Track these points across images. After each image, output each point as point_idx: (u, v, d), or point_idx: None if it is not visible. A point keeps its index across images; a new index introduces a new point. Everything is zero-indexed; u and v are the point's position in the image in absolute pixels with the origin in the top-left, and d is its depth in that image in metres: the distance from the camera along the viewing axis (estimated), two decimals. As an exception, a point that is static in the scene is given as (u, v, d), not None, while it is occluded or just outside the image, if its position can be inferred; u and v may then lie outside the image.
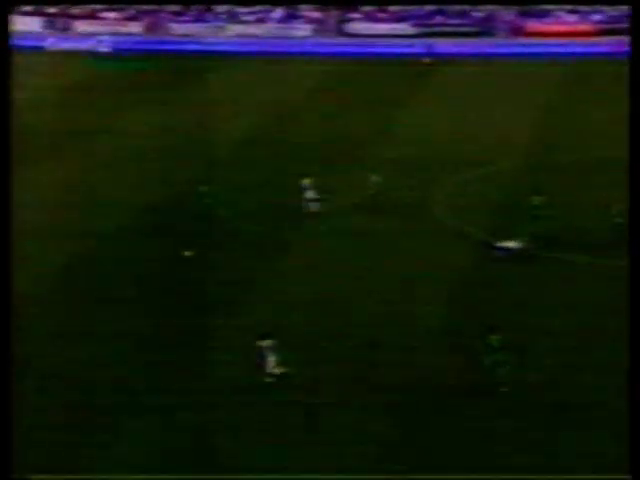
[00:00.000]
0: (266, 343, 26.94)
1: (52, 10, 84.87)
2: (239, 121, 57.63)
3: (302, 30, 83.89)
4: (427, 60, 72.14)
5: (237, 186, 45.51)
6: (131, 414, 26.58)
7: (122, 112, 59.68)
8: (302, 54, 78.27)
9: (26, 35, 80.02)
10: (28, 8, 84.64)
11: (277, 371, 26.87)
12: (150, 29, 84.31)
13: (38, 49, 78.14)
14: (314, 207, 41.68)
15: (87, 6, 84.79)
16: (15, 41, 78.31)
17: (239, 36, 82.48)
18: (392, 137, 54.43)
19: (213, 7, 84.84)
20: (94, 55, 76.36)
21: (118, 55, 76.25)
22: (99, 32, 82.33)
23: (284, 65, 74.16)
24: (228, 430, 25.82)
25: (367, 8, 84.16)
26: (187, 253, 36.53)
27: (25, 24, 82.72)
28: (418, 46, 75.86)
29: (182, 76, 70.34)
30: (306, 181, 42.05)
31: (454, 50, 76.92)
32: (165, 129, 56.15)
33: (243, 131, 55.58)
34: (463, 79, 69.31)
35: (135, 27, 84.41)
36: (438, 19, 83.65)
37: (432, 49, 72.69)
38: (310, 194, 41.73)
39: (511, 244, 36.68)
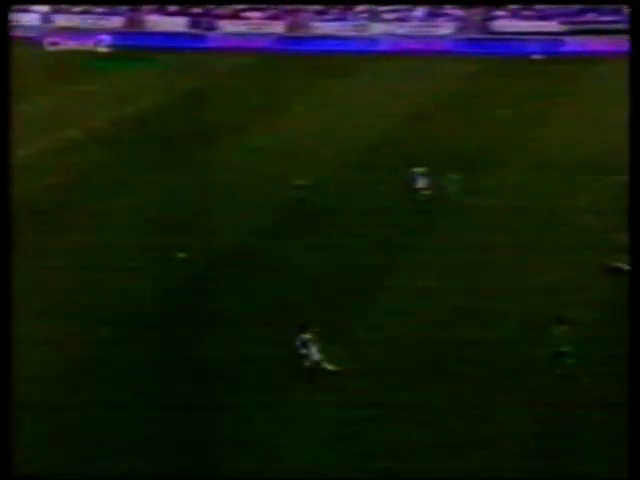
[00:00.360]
0: (307, 335, 25.80)
1: (197, 10, 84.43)
2: (375, 121, 55.70)
3: (445, 28, 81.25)
4: (537, 57, 70.07)
5: (360, 186, 43.82)
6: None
7: (261, 112, 58.25)
8: (445, 53, 76.08)
9: (172, 35, 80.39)
10: (173, 8, 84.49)
11: (320, 360, 25.76)
12: (292, 28, 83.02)
13: (182, 49, 77.69)
14: (424, 197, 40.02)
15: (231, 6, 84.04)
16: (159, 41, 79.33)
17: (381, 35, 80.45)
18: (537, 138, 51.67)
19: (354, 6, 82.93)
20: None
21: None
22: (242, 32, 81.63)
23: (426, 64, 71.99)
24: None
25: (513, 5, 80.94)
26: (181, 255, 34.05)
27: (170, 24, 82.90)
28: (568, 44, 73.03)
29: (322, 76, 68.90)
30: (418, 170, 40.44)
31: (604, 48, 73.53)
32: (299, 130, 54.39)
33: (378, 131, 53.49)
34: (613, 78, 65.77)
35: (278, 27, 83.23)
36: (590, 16, 79.68)
37: (553, 48, 70.78)
38: (421, 183, 40.15)
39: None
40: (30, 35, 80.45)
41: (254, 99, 61.62)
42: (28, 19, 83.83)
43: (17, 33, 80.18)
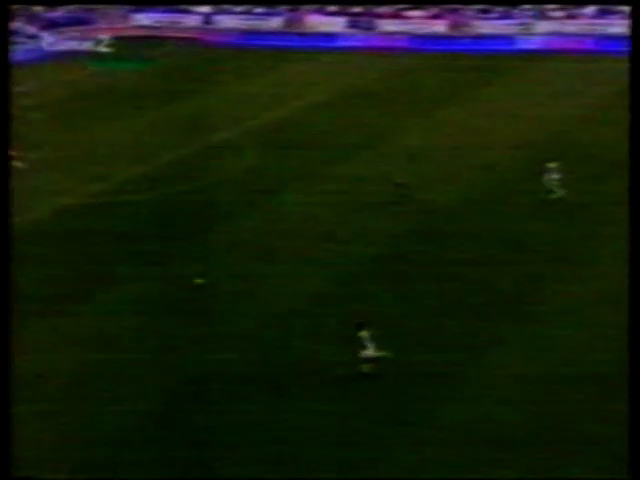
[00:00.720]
0: (363, 333, 25.29)
1: (357, 10, 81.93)
2: (533, 122, 52.11)
3: (617, 26, 76.01)
4: None
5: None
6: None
7: (424, 111, 55.67)
8: (615, 52, 71.25)
9: (331, 35, 78.10)
10: (333, 8, 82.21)
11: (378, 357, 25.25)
12: (454, 28, 79.51)
13: (341, 49, 75.32)
14: (556, 190, 38.82)
15: (392, 5, 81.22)
16: (314, 41, 77.71)
17: (547, 33, 76.10)
18: None
19: (520, 4, 78.76)
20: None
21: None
22: (403, 31, 78.77)
23: (595, 64, 67.48)
24: None
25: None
26: (199, 280, 31.59)
27: (329, 24, 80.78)
28: None
29: (482, 76, 65.55)
30: (551, 165, 39.09)
31: None
32: (454, 131, 51.46)
33: (534, 132, 50.17)
34: None
35: (439, 26, 79.88)
36: None
37: None
38: (554, 176, 38.90)
39: None
40: (190, 36, 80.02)
41: (412, 99, 59.13)
42: (189, 20, 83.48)
43: (178, 34, 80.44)
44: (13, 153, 43.81)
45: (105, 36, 75.68)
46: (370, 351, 25.22)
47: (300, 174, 44.25)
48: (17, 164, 44.18)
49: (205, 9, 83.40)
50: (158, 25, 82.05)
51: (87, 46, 74.95)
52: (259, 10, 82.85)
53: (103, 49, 73.81)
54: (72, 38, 77.59)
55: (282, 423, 23.80)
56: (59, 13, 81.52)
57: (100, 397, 25.18)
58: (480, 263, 33.29)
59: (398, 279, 32.32)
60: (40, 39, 76.45)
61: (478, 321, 28.90)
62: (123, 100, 59.57)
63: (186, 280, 31.77)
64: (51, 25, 78.40)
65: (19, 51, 72.51)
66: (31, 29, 76.97)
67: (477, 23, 79.16)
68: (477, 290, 31.20)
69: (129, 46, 75.32)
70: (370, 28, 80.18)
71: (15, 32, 74.82)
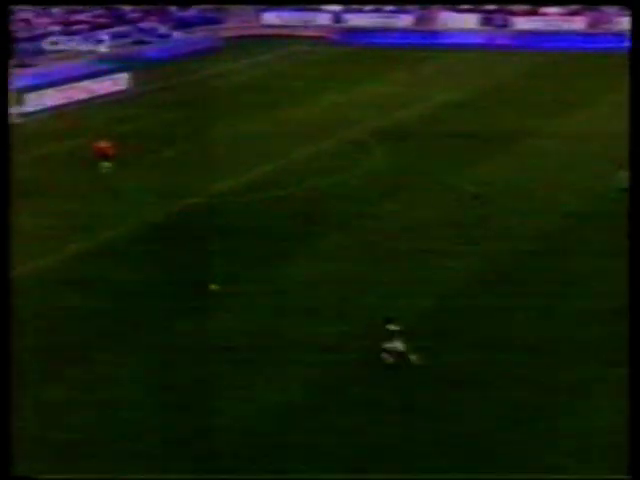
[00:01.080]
0: (392, 327, 24.74)
1: (491, 7, 78.45)
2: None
3: None
4: None
5: None
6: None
7: (560, 112, 52.39)
8: None
9: (463, 32, 75.34)
10: (465, 6, 78.96)
11: (404, 351, 24.65)
12: (594, 25, 75.29)
13: (473, 46, 72.22)
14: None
15: (526, 3, 77.58)
16: (445, 39, 74.73)
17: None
18: None
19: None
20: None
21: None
22: (538, 29, 75.06)
23: None
24: None
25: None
26: (213, 287, 29.80)
27: (462, 22, 77.68)
28: None
29: (622, 75, 61.32)
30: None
31: None
32: (587, 133, 48.18)
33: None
34: None
35: (578, 23, 75.76)
36: None
37: None
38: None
39: None
40: (319, 34, 78.12)
41: (546, 99, 55.74)
42: (319, 19, 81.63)
43: (308, 33, 78.51)
44: (107, 153, 42.51)
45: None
46: (394, 344, 24.61)
47: (427, 175, 41.62)
48: (105, 165, 42.39)
49: (335, 7, 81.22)
50: (288, 24, 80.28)
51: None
52: (389, 8, 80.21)
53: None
54: (200, 37, 76.47)
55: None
56: (190, 12, 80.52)
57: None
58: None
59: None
60: (171, 38, 75.54)
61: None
62: (250, 99, 57.76)
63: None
64: (182, 24, 77.45)
65: (152, 50, 71.83)
66: (163, 28, 76.04)
67: (619, 19, 74.77)
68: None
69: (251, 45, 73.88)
70: (504, 25, 76.61)
71: (148, 31, 74.05)
